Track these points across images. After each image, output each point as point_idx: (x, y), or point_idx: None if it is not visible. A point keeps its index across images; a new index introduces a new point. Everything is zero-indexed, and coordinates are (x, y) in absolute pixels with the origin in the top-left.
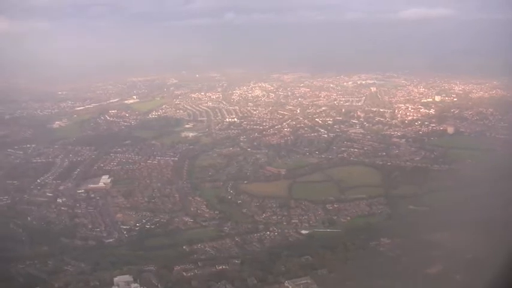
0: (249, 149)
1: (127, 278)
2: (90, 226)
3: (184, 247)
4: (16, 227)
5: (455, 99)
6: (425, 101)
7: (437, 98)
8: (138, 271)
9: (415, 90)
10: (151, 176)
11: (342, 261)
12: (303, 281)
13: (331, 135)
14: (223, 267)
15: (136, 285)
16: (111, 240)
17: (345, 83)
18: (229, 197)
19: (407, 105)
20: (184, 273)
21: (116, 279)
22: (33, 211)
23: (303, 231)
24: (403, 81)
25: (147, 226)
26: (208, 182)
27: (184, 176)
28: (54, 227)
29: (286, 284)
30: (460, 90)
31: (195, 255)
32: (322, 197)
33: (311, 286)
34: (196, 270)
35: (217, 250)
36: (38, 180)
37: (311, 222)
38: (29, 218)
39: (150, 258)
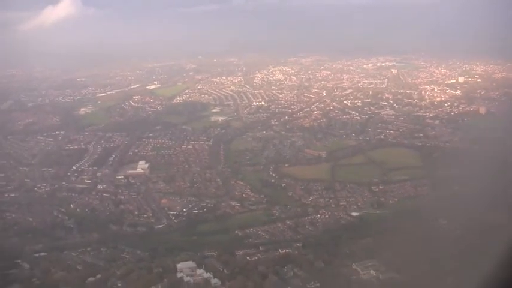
0: (283, 132)
1: (190, 264)
2: (136, 212)
3: (236, 232)
4: (61, 214)
5: (478, 80)
6: (449, 82)
7: (461, 79)
8: (199, 257)
9: (437, 71)
10: (188, 161)
11: (406, 243)
12: (370, 263)
13: (364, 117)
14: (286, 251)
15: (201, 271)
16: (160, 226)
17: (364, 66)
18: (273, 181)
19: (432, 86)
20: (248, 258)
21: (179, 265)
22: (74, 198)
23: (353, 214)
24: (422, 63)
25: (195, 211)
26: (248, 166)
27: (222, 160)
28: (100, 214)
29: (354, 266)
30: (482, 71)
31: (250, 240)
32: (366, 179)
33: (379, 268)
34: (259, 255)
35: (271, 234)
36: (74, 167)
37: (359, 204)
38: (71, 205)
39: (205, 243)
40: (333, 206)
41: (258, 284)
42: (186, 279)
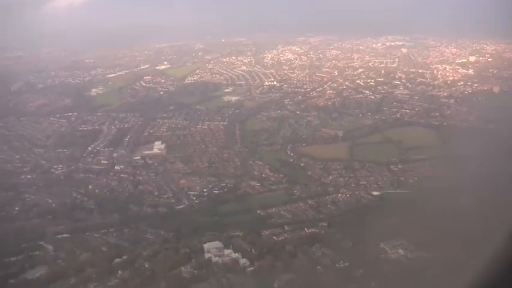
0: (298, 112)
1: (217, 244)
2: (156, 193)
3: (258, 211)
4: (80, 195)
5: (489, 59)
6: (459, 61)
7: (472, 59)
8: (225, 237)
9: (447, 51)
10: (205, 141)
11: (431, 222)
12: (398, 242)
13: (378, 96)
14: (313, 230)
15: (229, 251)
16: (181, 206)
17: (373, 45)
18: (291, 160)
19: (443, 65)
20: (275, 238)
21: (205, 246)
22: (92, 179)
23: (374, 193)
24: (431, 43)
25: (215, 191)
26: (265, 146)
27: (238, 140)
28: (119, 195)
29: (381, 245)
30: (493, 50)
31: (273, 220)
32: (384, 158)
33: (408, 247)
34: (286, 234)
35: (293, 214)
36: (89, 148)
37: (379, 183)
38: (90, 186)
39: (229, 224)
40: (353, 185)
41: (287, 264)
42: (214, 259)
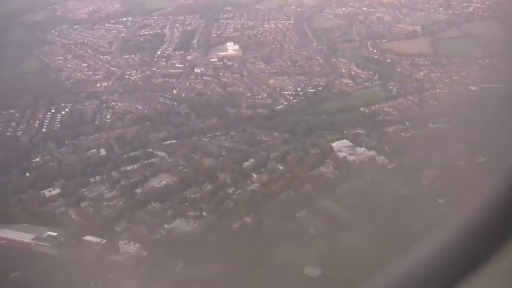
0: (364, 8)
1: (346, 143)
2: (248, 94)
3: (362, 109)
4: (168, 100)
5: None
6: None
7: None
8: (348, 135)
9: None
10: (278, 40)
11: None
12: None
13: None
14: (437, 125)
15: (362, 149)
16: (280, 107)
17: None
18: (376, 57)
19: None
20: (402, 134)
21: (334, 145)
22: (173, 83)
23: (472, 87)
24: None
25: (310, 90)
26: (343, 43)
27: (312, 38)
28: (210, 98)
29: None
30: None
31: (380, 117)
32: (469, 53)
33: None
34: (412, 130)
35: (399, 110)
36: (158, 52)
37: (472, 78)
38: (174, 91)
39: (339, 122)
40: (447, 80)
41: (427, 160)
42: (350, 158)
